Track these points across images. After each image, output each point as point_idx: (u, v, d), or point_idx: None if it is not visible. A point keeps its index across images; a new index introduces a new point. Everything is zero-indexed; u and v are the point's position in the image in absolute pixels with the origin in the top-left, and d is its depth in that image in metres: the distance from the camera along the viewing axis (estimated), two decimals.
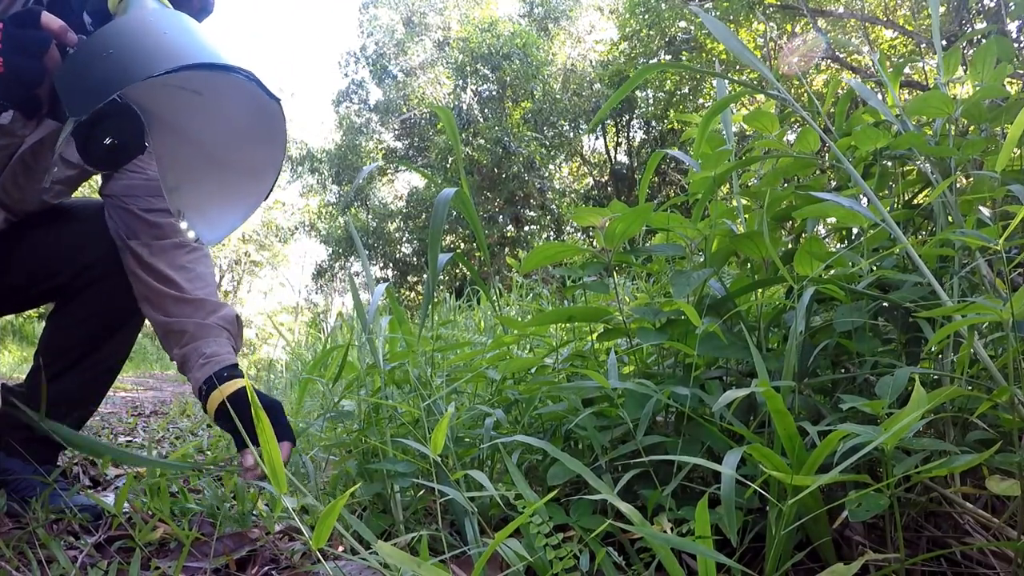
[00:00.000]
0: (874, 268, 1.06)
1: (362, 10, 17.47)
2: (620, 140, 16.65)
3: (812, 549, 0.86)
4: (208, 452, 2.15)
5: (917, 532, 0.92)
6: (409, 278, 16.83)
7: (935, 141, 1.10)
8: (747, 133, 2.22)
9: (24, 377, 1.45)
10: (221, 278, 24.66)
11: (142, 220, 1.30)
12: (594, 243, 1.19)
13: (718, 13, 10.79)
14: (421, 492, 1.27)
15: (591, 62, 16.23)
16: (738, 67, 11.32)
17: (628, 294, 2.30)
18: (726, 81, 1.91)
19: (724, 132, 1.34)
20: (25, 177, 1.25)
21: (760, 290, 1.20)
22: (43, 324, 1.46)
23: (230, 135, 0.95)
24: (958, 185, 1.09)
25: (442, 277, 2.16)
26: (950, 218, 1.04)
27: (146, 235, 1.30)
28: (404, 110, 16.46)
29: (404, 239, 16.94)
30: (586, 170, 17.67)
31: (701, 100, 13.87)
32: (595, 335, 1.34)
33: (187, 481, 1.66)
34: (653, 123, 15.63)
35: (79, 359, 1.41)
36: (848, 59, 11.36)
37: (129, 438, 2.65)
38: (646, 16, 13.03)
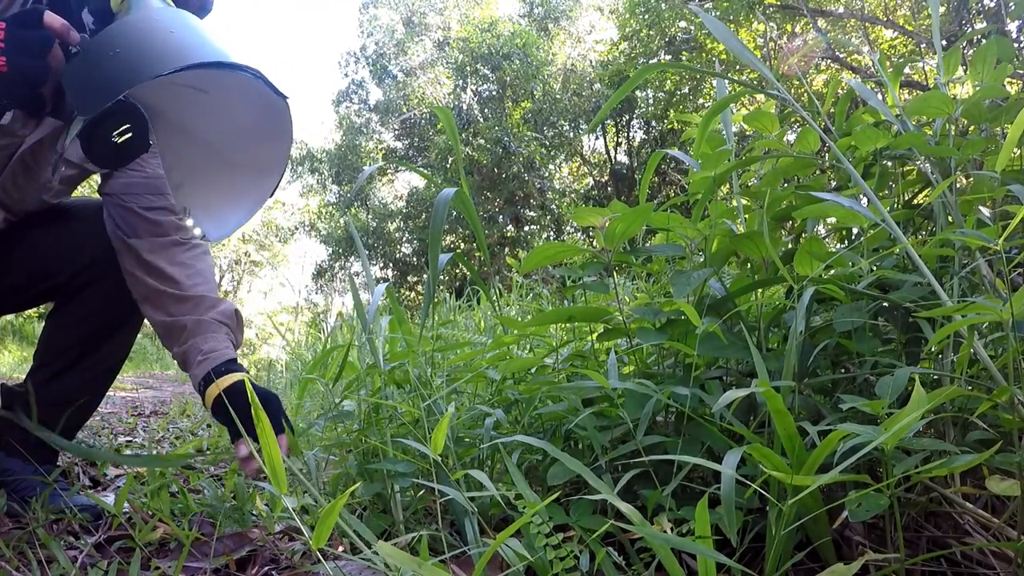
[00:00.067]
0: (874, 268, 1.06)
1: (362, 10, 17.48)
2: (620, 140, 16.65)
3: (812, 549, 0.86)
4: (208, 452, 2.15)
5: (917, 532, 0.92)
6: (409, 278, 16.83)
7: (935, 141, 1.10)
8: (747, 133, 2.22)
9: (24, 377, 1.45)
10: (221, 278, 24.66)
11: (142, 218, 1.30)
12: (594, 243, 1.19)
13: (718, 13, 10.79)
14: (421, 492, 1.27)
15: (591, 62, 16.24)
16: (738, 67, 11.32)
17: (628, 294, 2.30)
18: (726, 81, 1.91)
19: (724, 132, 1.34)
20: (25, 177, 1.25)
21: (760, 290, 1.20)
22: (43, 324, 1.46)
23: (236, 133, 0.96)
24: (958, 185, 1.09)
25: (442, 277, 2.16)
26: (950, 218, 1.04)
27: (146, 233, 1.30)
28: (404, 110, 16.46)
29: (404, 239, 16.94)
30: (586, 170, 17.68)
31: (701, 100, 13.87)
32: (595, 335, 1.34)
33: (187, 481, 1.66)
34: (653, 123, 15.63)
35: (79, 359, 1.41)
36: (848, 59, 11.36)
37: (129, 438, 2.65)
38: (646, 16, 13.03)
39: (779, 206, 1.17)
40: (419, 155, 16.48)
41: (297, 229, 22.80)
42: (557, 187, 16.04)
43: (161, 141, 0.99)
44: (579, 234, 14.77)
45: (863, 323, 0.96)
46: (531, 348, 1.63)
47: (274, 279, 27.18)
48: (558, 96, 15.38)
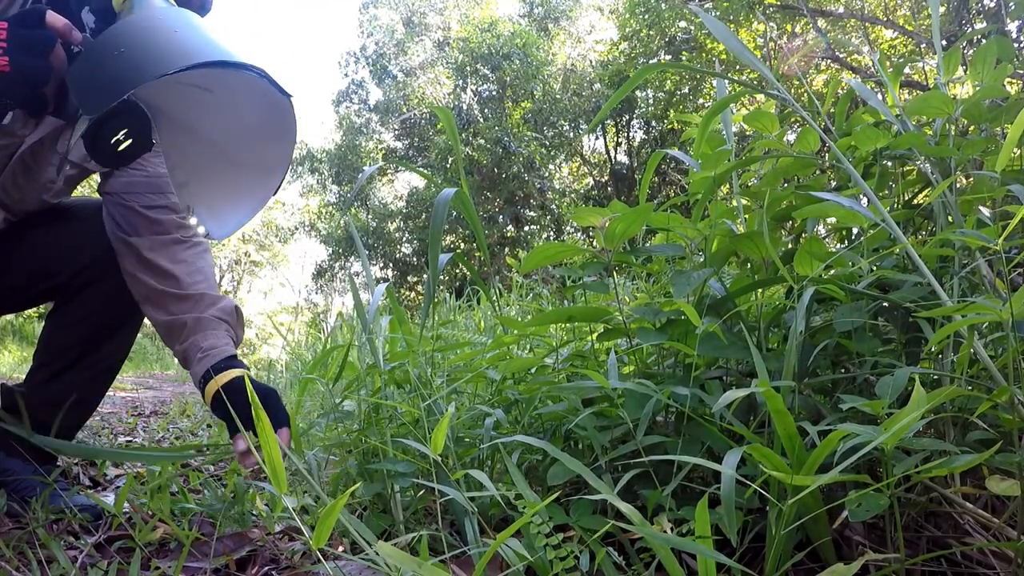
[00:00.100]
0: (874, 268, 1.06)
1: (362, 10, 17.48)
2: (620, 140, 16.65)
3: (812, 549, 0.86)
4: (207, 451, 2.15)
5: (917, 532, 0.92)
6: (409, 278, 16.84)
7: (935, 141, 1.10)
8: (747, 133, 2.22)
9: (24, 377, 1.45)
10: (221, 278, 24.65)
11: (143, 217, 1.30)
12: (594, 243, 1.19)
13: (718, 13, 10.79)
14: (421, 492, 1.27)
15: (591, 62, 16.24)
16: (738, 67, 11.32)
17: (628, 294, 2.30)
18: (726, 81, 1.91)
19: (724, 132, 1.34)
20: (25, 177, 1.25)
21: (760, 290, 1.20)
22: (43, 324, 1.46)
23: (240, 131, 0.97)
24: (958, 185, 1.09)
25: (442, 277, 2.16)
26: (950, 218, 1.04)
27: (147, 231, 1.30)
28: (404, 110, 16.47)
29: (404, 239, 16.94)
30: (586, 170, 17.68)
31: (701, 100, 13.87)
32: (595, 335, 1.34)
33: (187, 481, 1.66)
34: (653, 123, 15.64)
35: (78, 358, 1.41)
36: (848, 59, 11.36)
37: (129, 438, 2.65)
38: (646, 16, 13.04)
39: (779, 206, 1.17)
40: (419, 155, 16.49)
41: (297, 229, 22.81)
42: (557, 187, 16.04)
43: (165, 140, 0.99)
44: (579, 234, 14.77)
45: (863, 323, 0.96)
46: (531, 348, 1.63)
47: (274, 279, 27.19)
48: (558, 96, 15.38)
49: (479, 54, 14.88)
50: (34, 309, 1.55)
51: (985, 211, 1.10)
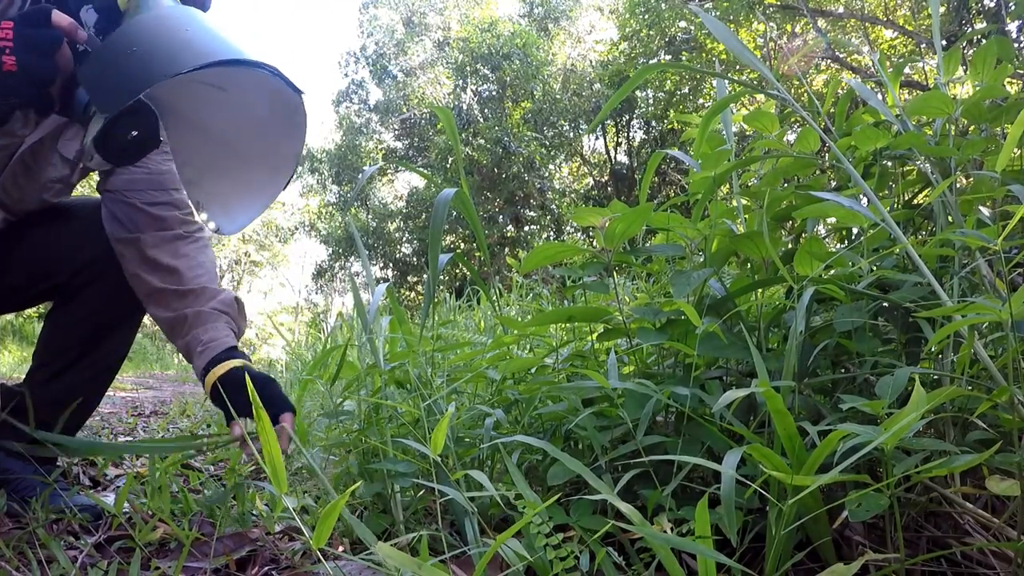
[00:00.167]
0: (874, 268, 1.06)
1: (362, 10, 17.48)
2: (620, 140, 16.66)
3: (812, 549, 0.86)
4: (207, 451, 2.15)
5: (917, 532, 0.92)
6: (409, 278, 16.84)
7: (935, 141, 1.10)
8: (747, 133, 2.22)
9: (23, 377, 1.45)
10: (221, 278, 24.59)
11: (146, 213, 1.30)
12: (594, 243, 1.19)
13: (718, 13, 10.79)
14: (421, 492, 1.27)
15: (591, 62, 16.24)
16: (738, 67, 11.32)
17: (628, 294, 2.30)
18: (726, 81, 1.91)
19: (724, 132, 1.34)
20: (25, 177, 1.25)
21: (760, 290, 1.20)
22: (42, 323, 1.46)
23: (250, 127, 0.98)
24: (958, 185, 1.09)
25: (442, 277, 2.17)
26: (950, 218, 1.04)
27: (149, 228, 1.30)
28: (404, 110, 16.47)
29: (404, 239, 16.95)
30: (586, 170, 17.68)
31: (701, 100, 13.87)
32: (595, 335, 1.34)
33: (187, 481, 1.66)
34: (653, 123, 15.64)
35: (78, 358, 1.41)
36: (848, 59, 11.36)
37: (129, 438, 2.65)
38: (646, 16, 13.04)
39: (779, 206, 1.17)
40: (419, 155, 16.49)
41: (297, 229, 22.83)
42: (557, 187, 16.04)
43: (174, 137, 1.00)
44: (579, 234, 14.77)
45: (863, 323, 0.96)
46: (531, 348, 1.63)
47: (274, 279, 27.19)
48: (558, 96, 15.38)
49: (479, 54, 14.88)
50: (34, 309, 1.56)
51: (985, 211, 1.10)
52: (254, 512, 1.36)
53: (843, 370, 1.06)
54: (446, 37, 16.68)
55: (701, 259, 1.23)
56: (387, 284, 1.47)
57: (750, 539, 0.88)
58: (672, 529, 0.86)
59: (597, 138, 16.85)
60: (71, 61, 0.86)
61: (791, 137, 1.46)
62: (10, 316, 8.83)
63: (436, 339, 1.69)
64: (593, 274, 1.18)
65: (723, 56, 11.55)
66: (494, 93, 15.48)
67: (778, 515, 0.76)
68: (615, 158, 16.67)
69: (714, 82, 1.60)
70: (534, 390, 1.28)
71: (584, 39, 17.19)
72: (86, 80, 0.85)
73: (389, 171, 17.64)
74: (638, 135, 16.46)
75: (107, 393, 1.55)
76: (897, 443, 0.73)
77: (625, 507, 0.76)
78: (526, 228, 15.94)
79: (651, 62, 13.03)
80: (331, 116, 18.07)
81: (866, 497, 0.74)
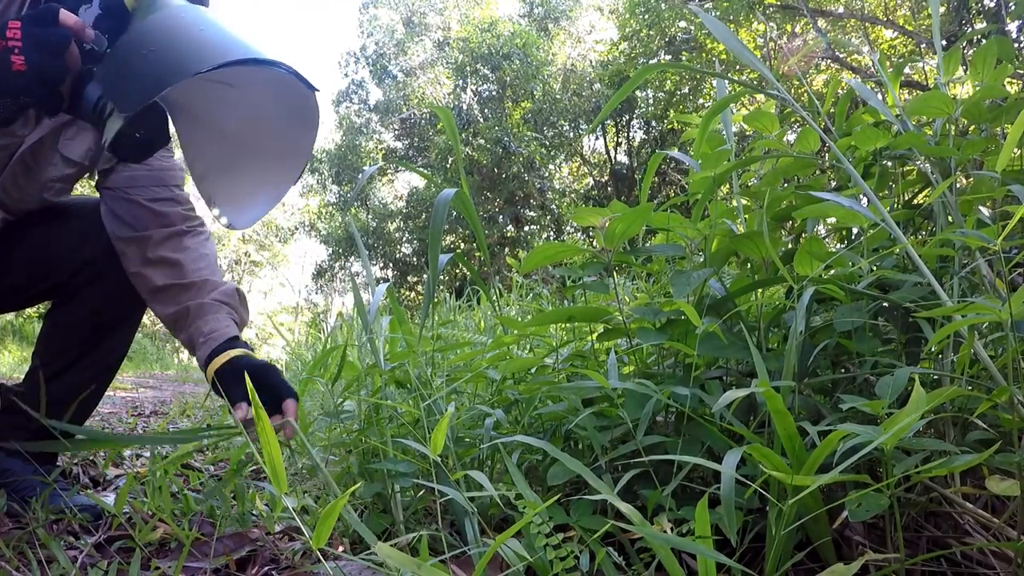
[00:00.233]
0: (874, 268, 1.06)
1: (362, 10, 17.49)
2: (620, 140, 16.66)
3: (812, 549, 0.86)
4: (207, 452, 2.15)
5: (917, 532, 0.92)
6: (409, 278, 16.84)
7: (935, 141, 1.10)
8: (747, 133, 2.22)
9: (23, 377, 1.45)
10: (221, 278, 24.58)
11: (148, 210, 1.31)
12: (594, 243, 1.19)
13: (718, 13, 10.79)
14: (421, 492, 1.27)
15: (591, 62, 16.24)
16: (738, 67, 11.32)
17: (628, 294, 2.30)
18: (726, 81, 1.91)
19: (724, 132, 1.34)
20: (25, 177, 1.25)
21: (760, 290, 1.20)
22: (41, 323, 1.46)
23: (261, 123, 0.99)
24: (958, 185, 1.09)
25: (442, 277, 2.17)
26: (950, 218, 1.04)
27: (153, 225, 1.30)
28: (404, 110, 16.47)
29: (404, 239, 16.95)
30: (586, 170, 17.68)
31: (701, 100, 13.87)
32: (595, 335, 1.34)
33: (187, 481, 1.66)
34: (653, 123, 15.64)
35: (78, 358, 1.41)
36: (848, 59, 11.36)
37: None
38: (646, 16, 13.04)
39: (779, 206, 1.17)
40: (419, 155, 16.49)
41: (297, 229, 22.83)
42: (557, 187, 16.05)
43: (185, 133, 1.01)
44: (579, 234, 14.77)
45: (863, 323, 0.96)
46: (531, 348, 1.63)
47: (274, 279, 27.21)
48: (558, 96, 15.39)
49: (479, 54, 14.89)
50: (34, 309, 1.56)
51: (985, 211, 1.10)
52: (254, 512, 1.36)
53: (843, 370, 1.06)
54: (446, 37, 16.68)
55: (701, 259, 1.23)
56: (387, 284, 1.47)
57: (750, 539, 0.88)
58: (672, 529, 0.86)
59: (597, 138, 16.85)
60: (79, 60, 0.87)
61: (791, 137, 1.46)
62: (10, 316, 8.83)
63: (436, 339, 1.69)
64: (593, 274, 1.18)
65: (723, 56, 11.55)
66: (494, 93, 15.48)
67: (778, 515, 0.76)
68: (615, 158, 16.68)
69: (714, 82, 1.60)
70: (534, 390, 1.28)
71: (584, 39, 17.20)
72: (101, 80, 0.85)
73: (389, 171, 17.65)
74: (638, 135, 16.47)
75: (107, 393, 1.55)
76: (897, 443, 0.73)
77: (625, 507, 0.76)
78: (526, 228, 15.95)
79: (651, 62, 13.03)
80: (331, 116, 18.06)
81: (866, 497, 0.74)
